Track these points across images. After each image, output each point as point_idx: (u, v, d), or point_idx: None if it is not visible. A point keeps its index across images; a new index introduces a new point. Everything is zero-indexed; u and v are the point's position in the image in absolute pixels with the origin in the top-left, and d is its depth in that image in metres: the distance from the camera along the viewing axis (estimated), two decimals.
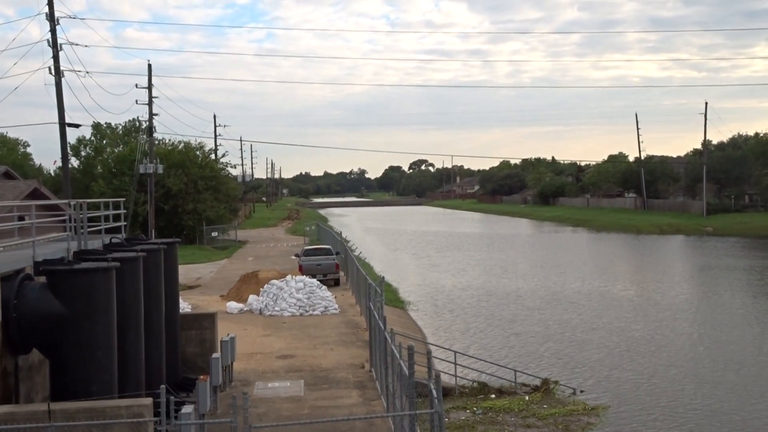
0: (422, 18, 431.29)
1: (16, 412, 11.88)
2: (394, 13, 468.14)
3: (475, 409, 19.53)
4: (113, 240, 18.75)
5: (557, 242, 76.66)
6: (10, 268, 13.34)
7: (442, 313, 35.55)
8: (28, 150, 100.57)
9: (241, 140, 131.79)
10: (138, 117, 79.32)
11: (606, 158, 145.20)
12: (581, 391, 21.75)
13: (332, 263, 39.31)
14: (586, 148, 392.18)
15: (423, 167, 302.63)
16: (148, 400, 12.08)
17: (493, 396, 20.90)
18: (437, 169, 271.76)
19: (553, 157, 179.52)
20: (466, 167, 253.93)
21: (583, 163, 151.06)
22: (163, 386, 12.34)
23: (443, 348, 25.37)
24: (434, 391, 11.40)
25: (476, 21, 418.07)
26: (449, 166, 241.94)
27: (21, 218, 20.07)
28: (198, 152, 75.56)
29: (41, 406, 12.10)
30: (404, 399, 13.14)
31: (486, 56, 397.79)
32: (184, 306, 27.30)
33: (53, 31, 41.56)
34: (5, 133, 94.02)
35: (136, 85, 56.05)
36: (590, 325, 31.55)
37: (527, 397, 20.66)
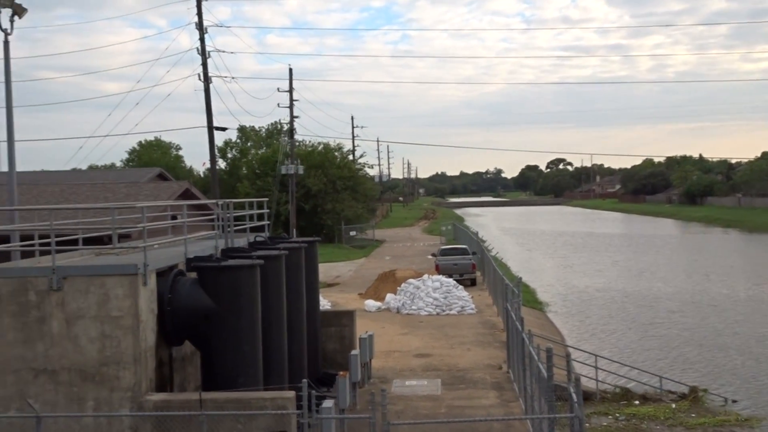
0: (558, 14, 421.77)
1: (171, 399, 12.57)
2: (529, 10, 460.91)
3: (617, 415, 18.84)
4: (257, 238, 19.48)
5: (704, 244, 72.75)
6: (165, 264, 14.11)
7: (579, 315, 34.60)
8: (180, 153, 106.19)
9: (377, 141, 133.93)
10: (280, 120, 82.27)
11: (760, 155, 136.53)
12: (733, 401, 20.53)
13: (468, 263, 39.12)
14: (737, 145, 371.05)
15: (561, 166, 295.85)
16: (291, 393, 12.45)
17: (636, 402, 20.08)
18: (576, 168, 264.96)
19: (700, 155, 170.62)
20: (606, 166, 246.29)
21: (734, 161, 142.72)
22: (304, 380, 12.68)
23: (583, 351, 24.68)
24: (574, 395, 11.08)
25: (615, 15, 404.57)
26: (588, 165, 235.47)
27: (174, 217, 21.25)
28: (336, 153, 77.34)
29: (193, 395, 12.75)
30: (543, 402, 12.87)
31: (626, 51, 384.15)
32: (324, 303, 27.99)
33: (202, 40, 43.75)
34: (159, 137, 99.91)
35: (278, 89, 58.15)
36: (736, 331, 29.75)
37: (674, 405, 19.71)
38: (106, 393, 12.42)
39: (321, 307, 22.02)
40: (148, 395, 12.53)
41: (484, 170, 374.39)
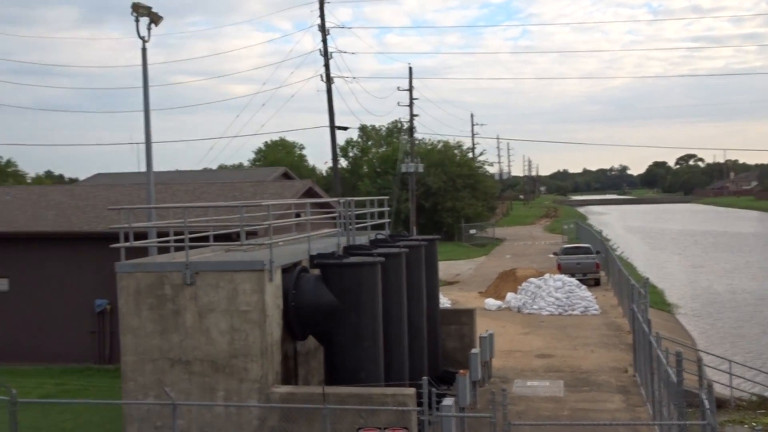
0: (688, 4, 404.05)
1: (296, 392, 12.96)
2: (656, 1, 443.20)
3: (754, 424, 17.88)
4: (378, 236, 19.72)
5: None
6: (290, 260, 14.53)
7: (710, 318, 33.05)
8: (303, 152, 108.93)
9: (497, 138, 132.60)
10: (400, 118, 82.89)
11: None
12: None
13: (592, 262, 38.13)
14: None
15: (691, 162, 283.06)
16: (412, 390, 12.56)
17: None
18: (707, 164, 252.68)
19: None
20: (740, 162, 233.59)
21: None
22: (425, 377, 12.75)
23: (715, 356, 23.56)
24: (706, 402, 10.61)
25: (751, 2, 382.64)
26: (721, 161, 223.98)
27: (298, 215, 21.82)
28: (456, 151, 77.15)
29: (317, 388, 13.07)
30: (672, 408, 12.39)
31: (763, 40, 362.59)
32: (444, 301, 28.00)
33: (324, 41, 44.68)
34: (284, 137, 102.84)
35: (398, 88, 58.52)
36: None
37: None
38: (235, 384, 12.94)
39: (441, 305, 22.04)
40: (275, 387, 12.95)
41: (608, 167, 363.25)
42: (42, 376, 21.44)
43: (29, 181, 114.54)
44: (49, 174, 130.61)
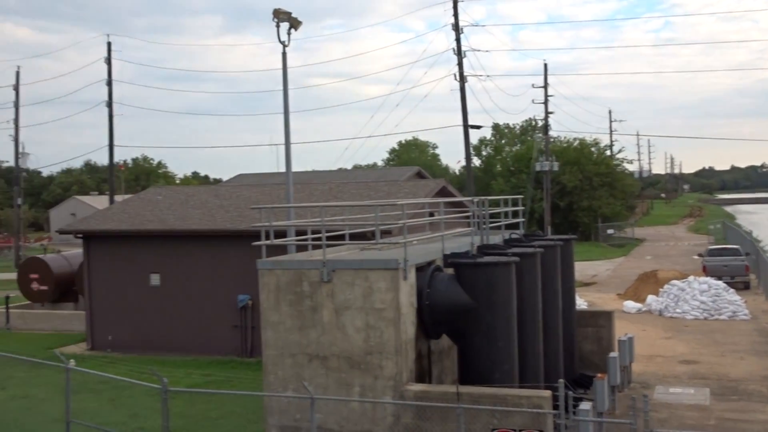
0: None
1: (430, 391, 13.00)
2: None
3: None
4: (512, 235, 19.48)
5: None
6: (423, 259, 14.61)
7: None
8: (436, 151, 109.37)
9: (637, 135, 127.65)
10: (534, 116, 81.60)
11: None
12: None
13: (741, 265, 36.02)
14: None
15: None
16: (547, 393, 12.32)
17: None
18: None
19: None
20: None
21: None
22: (561, 380, 12.48)
23: None
24: None
25: None
26: None
27: (431, 214, 21.90)
28: (593, 148, 75.03)
29: (450, 387, 13.07)
30: None
31: None
32: (580, 303, 27.30)
33: (458, 40, 44.61)
34: (417, 137, 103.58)
35: (533, 85, 57.59)
36: None
37: None
38: (370, 380, 13.14)
39: (577, 307, 21.51)
40: (409, 385, 13.06)
41: (758, 164, 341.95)
42: (189, 366, 22.61)
43: (177, 181, 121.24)
44: (195, 175, 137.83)
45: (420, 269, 14.28)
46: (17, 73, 55.58)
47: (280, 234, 16.87)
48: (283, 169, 21.77)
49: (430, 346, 14.72)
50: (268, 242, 14.45)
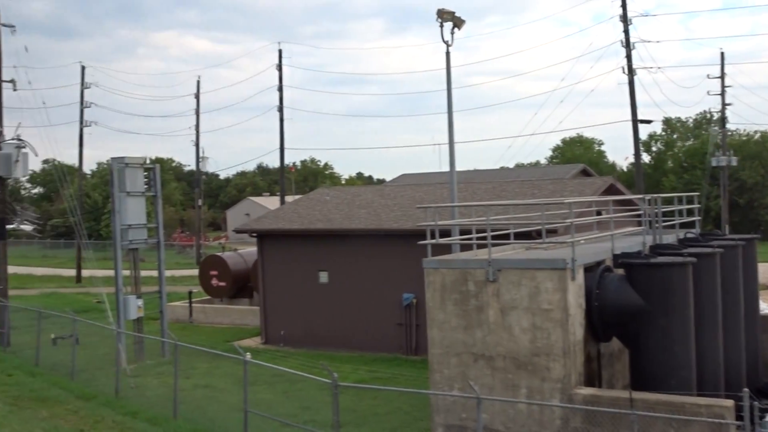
0: None
1: (600, 395, 12.58)
2: None
3: None
4: (687, 235, 18.47)
5: None
6: (592, 259, 14.17)
7: None
8: (602, 148, 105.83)
9: None
10: (709, 109, 76.88)
11: None
12: None
13: None
14: None
15: None
16: (730, 402, 11.58)
17: None
18: None
19: None
20: None
21: None
22: (745, 389, 11.67)
23: None
24: None
25: None
26: None
27: (598, 213, 21.20)
28: None
29: (623, 393, 12.58)
30: None
31: None
32: (764, 307, 25.41)
33: (626, 31, 42.83)
34: (581, 134, 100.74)
35: (708, 76, 54.25)
36: None
37: None
38: (537, 382, 12.91)
39: (761, 312, 20.04)
40: (578, 389, 12.71)
41: None
42: (356, 362, 23.20)
43: (343, 182, 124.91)
44: (359, 175, 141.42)
45: (588, 269, 13.86)
46: (198, 83, 59.41)
47: (445, 233, 16.93)
48: (444, 169, 21.84)
49: (599, 349, 14.25)
50: (433, 241, 14.56)
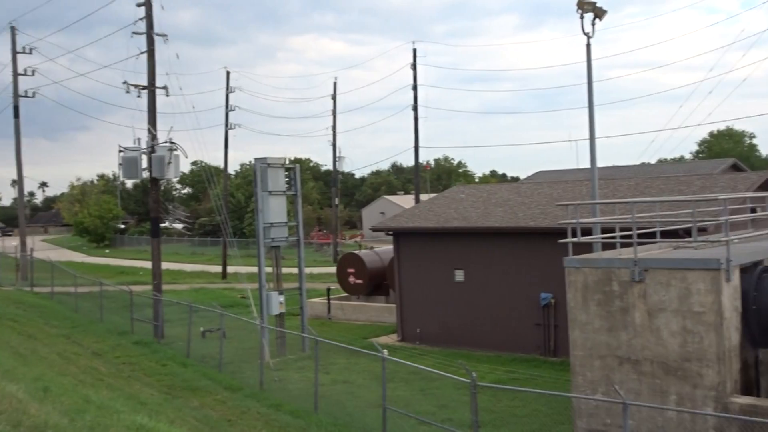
0: None
1: (759, 405, 11.77)
2: None
3: None
4: None
5: None
6: (749, 260, 13.28)
7: None
8: (754, 141, 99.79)
9: None
10: None
11: None
12: None
13: None
14: None
15: None
16: None
17: None
18: None
19: None
20: None
21: None
22: None
23: None
24: None
25: None
26: None
27: (753, 210, 19.89)
28: None
29: None
30: None
31: None
32: None
33: None
34: (731, 126, 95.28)
35: None
36: None
37: None
38: (688, 389, 12.25)
39: None
40: (734, 397, 11.95)
41: None
42: (493, 362, 22.91)
43: (476, 180, 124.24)
44: (493, 173, 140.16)
45: (745, 270, 13.01)
46: (334, 84, 60.78)
47: (586, 231, 16.40)
48: (582, 165, 21.25)
49: (757, 356, 13.34)
50: (574, 240, 14.12)
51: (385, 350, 16.08)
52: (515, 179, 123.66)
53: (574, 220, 14.37)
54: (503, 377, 20.71)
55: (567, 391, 14.78)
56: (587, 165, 20.18)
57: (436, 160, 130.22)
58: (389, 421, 15.22)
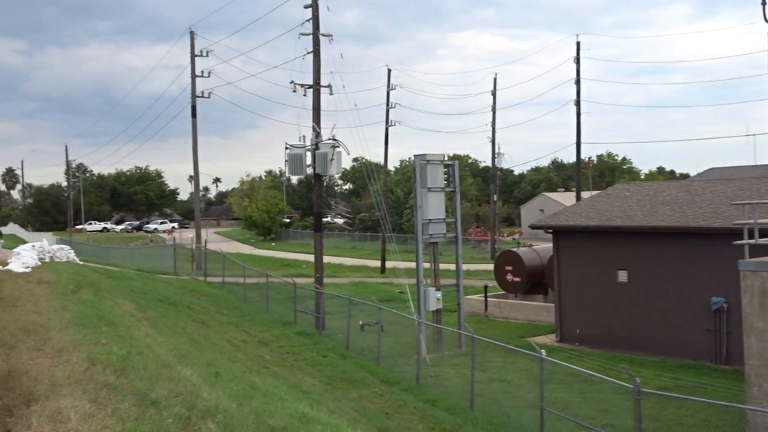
0: None
1: None
2: None
3: None
4: None
5: None
6: None
7: None
8: None
9: None
10: None
11: None
12: None
13: None
14: None
15: None
16: None
17: None
18: None
19: None
20: None
21: None
22: None
23: None
24: None
25: None
26: None
27: None
28: None
29: None
30: None
31: None
32: None
33: None
34: None
35: None
36: None
37: None
38: None
39: None
40: None
41: None
42: (657, 368, 21.89)
43: (642, 177, 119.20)
44: (660, 170, 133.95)
45: None
46: (494, 80, 60.26)
47: (764, 233, 15.28)
48: (760, 161, 19.74)
49: None
50: (751, 241, 13.21)
51: (543, 350, 15.78)
52: (685, 176, 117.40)
53: (751, 221, 13.44)
54: (669, 384, 19.73)
55: (740, 402, 13.87)
56: (767, 161, 18.81)
57: (599, 157, 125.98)
58: (547, 423, 14.92)
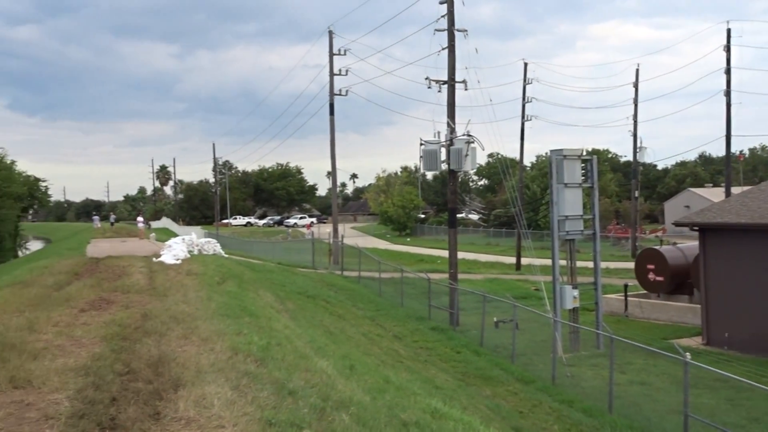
0: None
1: None
2: None
3: None
4: None
5: None
6: None
7: None
8: None
9: None
10: None
11: None
12: None
13: None
14: None
15: None
16: None
17: None
18: None
19: None
20: None
21: None
22: None
23: None
24: None
25: None
26: None
27: None
28: None
29: None
30: None
31: None
32: None
33: None
34: None
35: None
36: None
37: None
38: None
39: None
40: None
41: None
42: None
43: None
44: None
45: None
46: (636, 71, 57.88)
47: None
48: None
49: None
50: None
51: (687, 353, 15.06)
52: None
53: None
54: None
55: None
56: None
57: (751, 150, 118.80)
58: (692, 430, 14.24)
